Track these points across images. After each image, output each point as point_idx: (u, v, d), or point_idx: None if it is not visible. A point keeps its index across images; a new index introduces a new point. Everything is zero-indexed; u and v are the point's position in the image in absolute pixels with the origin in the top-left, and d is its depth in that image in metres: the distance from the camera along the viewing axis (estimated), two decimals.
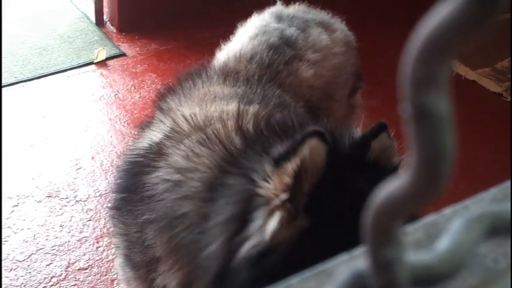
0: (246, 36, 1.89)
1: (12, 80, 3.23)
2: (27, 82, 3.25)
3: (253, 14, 2.08)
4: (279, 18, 1.97)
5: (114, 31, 3.71)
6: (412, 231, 0.35)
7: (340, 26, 2.08)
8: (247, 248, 1.16)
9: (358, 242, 1.15)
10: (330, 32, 2.00)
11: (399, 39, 3.42)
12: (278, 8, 2.08)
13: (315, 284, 0.32)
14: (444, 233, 0.31)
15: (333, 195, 1.19)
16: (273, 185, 1.18)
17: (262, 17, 2.01)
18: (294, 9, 2.07)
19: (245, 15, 2.11)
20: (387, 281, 0.26)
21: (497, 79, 3.41)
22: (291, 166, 1.17)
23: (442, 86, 0.22)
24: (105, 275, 2.27)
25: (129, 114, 3.07)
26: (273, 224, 1.15)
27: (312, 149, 1.18)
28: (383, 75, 3.21)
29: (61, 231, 2.43)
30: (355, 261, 0.29)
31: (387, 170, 1.26)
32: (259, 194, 1.18)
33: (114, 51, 3.51)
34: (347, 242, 1.25)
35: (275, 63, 1.79)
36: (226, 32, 2.08)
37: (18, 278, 2.23)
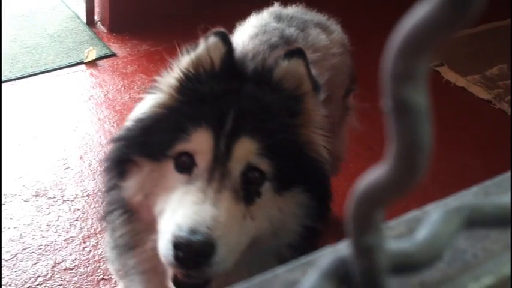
0: (246, 36, 1.90)
1: (2, 79, 3.22)
2: (16, 81, 3.24)
3: (250, 14, 2.09)
4: (278, 18, 1.99)
5: (105, 31, 3.71)
6: (395, 225, 0.36)
7: (336, 28, 2.11)
8: (127, 123, 1.35)
9: (203, 120, 1.21)
10: (328, 33, 2.02)
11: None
12: (277, 8, 2.09)
13: (300, 273, 0.33)
14: (423, 223, 0.32)
15: (210, 86, 1.32)
16: (171, 74, 1.37)
17: (261, 17, 2.03)
18: (292, 9, 2.09)
19: (237, 17, 2.12)
20: (368, 266, 0.28)
21: (486, 86, 3.45)
22: (186, 58, 1.36)
23: (420, 81, 0.23)
24: (91, 275, 2.27)
25: (118, 115, 3.07)
26: (147, 101, 1.35)
27: (209, 45, 1.34)
28: (373, 80, 3.23)
29: (48, 230, 2.42)
30: (339, 253, 0.30)
31: (285, 91, 1.34)
32: (157, 82, 1.38)
33: (104, 52, 3.51)
34: (196, 118, 1.24)
35: None
36: None
37: (3, 277, 2.22)
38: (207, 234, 1.14)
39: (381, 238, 0.28)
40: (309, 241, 1.35)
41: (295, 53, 1.35)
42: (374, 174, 0.26)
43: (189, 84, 1.33)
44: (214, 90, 1.31)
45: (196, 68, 1.35)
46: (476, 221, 0.33)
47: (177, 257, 1.15)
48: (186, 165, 1.25)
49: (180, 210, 1.20)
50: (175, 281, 1.25)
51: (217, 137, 1.24)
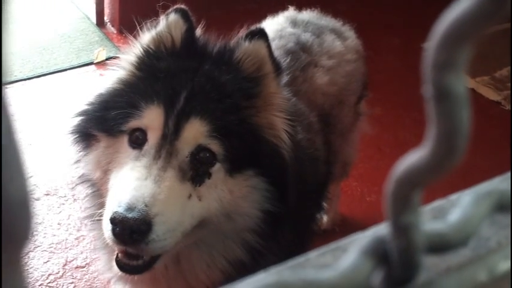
0: None
1: (12, 79, 3.24)
2: (27, 81, 3.27)
3: (259, 14, 2.09)
4: (294, 23, 1.98)
5: (115, 32, 3.74)
6: (421, 214, 0.38)
7: (351, 34, 2.09)
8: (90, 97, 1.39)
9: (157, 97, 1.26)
10: (343, 39, 2.01)
11: (398, 46, 3.45)
12: (292, 12, 2.08)
13: (331, 258, 0.34)
14: (455, 207, 0.33)
15: (167, 64, 1.32)
16: (133, 51, 1.38)
17: (277, 21, 2.02)
18: (307, 14, 2.08)
19: (246, 17, 2.13)
20: (406, 245, 0.29)
21: (496, 88, 3.44)
22: (147, 35, 1.37)
23: (460, 69, 0.25)
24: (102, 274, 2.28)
25: None
26: (110, 77, 1.37)
27: (169, 22, 1.35)
28: (383, 82, 3.24)
29: (59, 229, 2.45)
30: (377, 233, 0.32)
31: (244, 72, 1.33)
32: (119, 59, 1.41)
33: (114, 52, 3.53)
34: (149, 95, 1.27)
35: (292, 69, 1.78)
36: (227, 34, 2.10)
37: None
38: (144, 211, 1.15)
39: (418, 218, 0.30)
40: (271, 227, 1.34)
41: (257, 34, 1.34)
42: (414, 157, 0.28)
43: (147, 61, 1.34)
44: (170, 67, 1.31)
45: (157, 45, 1.36)
46: (505, 205, 0.34)
47: (114, 233, 1.16)
48: (139, 141, 1.27)
49: (122, 186, 1.21)
50: (118, 262, 1.27)
51: (168, 115, 1.25)
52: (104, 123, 1.31)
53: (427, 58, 0.26)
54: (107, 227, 1.18)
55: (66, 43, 3.58)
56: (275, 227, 1.35)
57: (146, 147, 1.25)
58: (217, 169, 1.26)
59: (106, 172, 1.31)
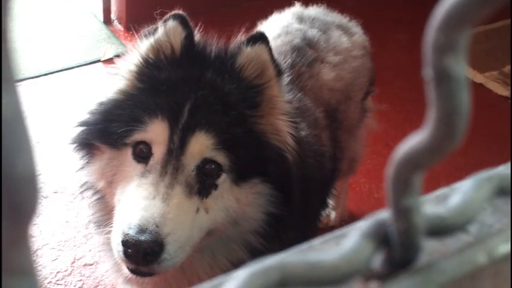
0: (269, 36, 1.91)
1: (20, 77, 3.26)
2: (35, 79, 3.28)
3: (267, 10, 2.09)
4: (300, 19, 1.97)
5: (122, 29, 3.75)
6: (424, 201, 0.38)
7: (357, 30, 2.09)
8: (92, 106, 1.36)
9: (162, 109, 1.24)
10: (349, 35, 2.01)
11: (406, 41, 3.44)
12: (299, 8, 2.08)
13: (334, 245, 0.35)
14: (456, 191, 0.34)
15: (168, 74, 1.29)
16: (132, 59, 1.34)
17: (283, 17, 2.01)
18: (314, 10, 2.07)
19: (254, 14, 2.13)
20: (406, 227, 0.29)
21: (504, 82, 3.42)
22: (146, 43, 1.33)
23: (460, 52, 0.25)
24: None
25: None
26: (111, 86, 1.34)
27: (168, 29, 1.31)
28: (390, 77, 3.24)
29: (67, 227, 2.46)
30: (379, 216, 0.32)
31: (246, 80, 1.31)
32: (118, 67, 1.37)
33: (121, 50, 3.53)
34: (153, 109, 1.24)
35: (298, 65, 1.78)
36: (234, 31, 2.11)
37: None
38: (155, 232, 1.14)
39: (418, 201, 0.30)
40: (275, 228, 1.34)
41: (258, 38, 1.32)
42: (414, 140, 0.28)
43: (147, 71, 1.31)
44: (172, 78, 1.29)
45: (157, 53, 1.33)
46: (506, 189, 0.34)
47: (126, 254, 1.16)
48: (143, 154, 1.25)
49: (130, 205, 1.20)
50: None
51: (173, 130, 1.23)
52: (107, 136, 1.29)
53: (427, 41, 0.26)
54: (117, 248, 1.18)
55: (73, 41, 3.59)
56: (278, 227, 1.35)
57: (152, 162, 1.24)
58: (224, 180, 1.26)
59: (111, 184, 1.31)
